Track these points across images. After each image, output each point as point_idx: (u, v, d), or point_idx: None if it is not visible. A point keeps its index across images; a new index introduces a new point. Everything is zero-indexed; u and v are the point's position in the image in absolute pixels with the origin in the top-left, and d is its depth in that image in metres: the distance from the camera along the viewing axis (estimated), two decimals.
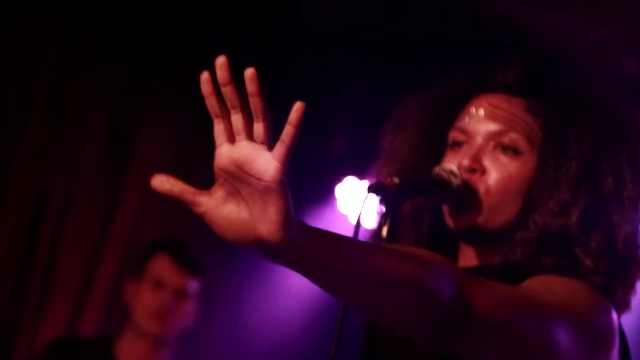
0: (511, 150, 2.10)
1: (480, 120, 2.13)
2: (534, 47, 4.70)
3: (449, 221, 2.12)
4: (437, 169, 2.09)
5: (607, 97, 2.18)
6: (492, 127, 2.12)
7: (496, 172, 2.09)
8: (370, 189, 1.97)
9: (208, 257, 4.43)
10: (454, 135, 2.18)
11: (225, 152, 1.48)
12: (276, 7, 5.16)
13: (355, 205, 5.93)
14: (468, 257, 2.15)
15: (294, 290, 5.92)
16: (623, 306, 2.03)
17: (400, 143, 2.25)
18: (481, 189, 2.08)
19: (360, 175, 5.99)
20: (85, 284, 5.36)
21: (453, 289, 1.64)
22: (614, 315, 1.95)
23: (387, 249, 1.65)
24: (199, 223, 5.00)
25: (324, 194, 5.92)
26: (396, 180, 1.99)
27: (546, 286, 1.90)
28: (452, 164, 2.12)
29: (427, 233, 2.16)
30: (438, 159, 2.19)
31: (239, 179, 1.46)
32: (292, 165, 5.22)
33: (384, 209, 1.99)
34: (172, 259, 4.28)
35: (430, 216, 2.17)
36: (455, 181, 2.06)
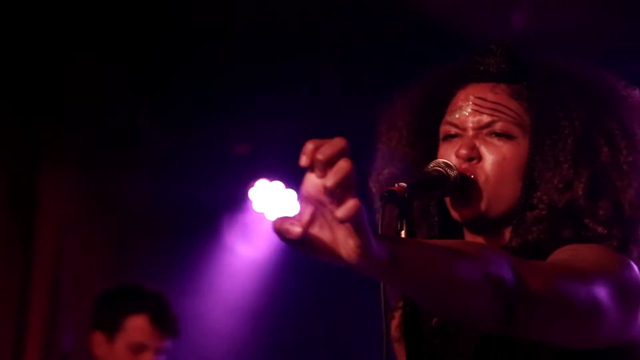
0: (504, 135, 2.16)
1: (468, 114, 2.18)
2: (424, 15, 4.82)
3: (454, 213, 2.17)
4: (432, 164, 2.13)
5: (587, 69, 2.24)
6: (481, 119, 2.17)
7: (491, 156, 2.13)
8: (384, 199, 2.00)
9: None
10: (446, 129, 2.22)
11: (311, 179, 1.52)
12: (169, 11, 5.10)
13: (268, 204, 6.17)
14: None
15: (225, 297, 6.17)
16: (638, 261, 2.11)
17: (396, 142, 2.28)
18: (480, 176, 2.13)
19: (270, 177, 6.14)
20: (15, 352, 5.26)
21: (511, 273, 1.72)
22: (638, 271, 2.04)
23: (447, 247, 1.70)
24: (116, 257, 4.91)
25: (238, 196, 6.15)
26: (403, 184, 2.02)
27: (576, 255, 1.97)
28: (449, 154, 2.17)
29: (437, 225, 2.21)
30: (434, 153, 2.23)
31: (322, 206, 1.49)
32: (207, 169, 5.16)
33: (397, 213, 2.02)
34: (152, 322, 4.22)
35: (437, 208, 2.22)
36: (452, 173, 2.11)
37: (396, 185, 2.02)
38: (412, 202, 2.06)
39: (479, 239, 2.18)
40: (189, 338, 6.00)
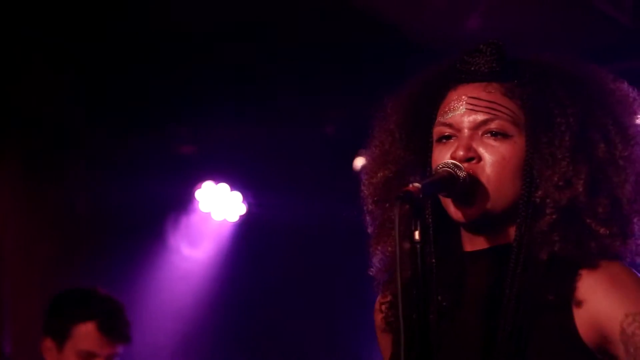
0: (500, 135, 2.14)
1: (463, 114, 2.15)
2: (376, 23, 4.85)
3: (457, 214, 2.14)
4: (441, 165, 2.12)
5: (576, 64, 2.22)
6: (477, 118, 2.14)
7: (490, 157, 2.12)
8: (400, 199, 1.99)
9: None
10: (440, 130, 2.19)
11: None
12: (112, 12, 5.04)
13: (214, 204, 6.17)
14: (473, 242, 2.18)
15: (171, 297, 6.17)
16: (638, 254, 2.14)
17: (389, 145, 2.26)
18: (482, 176, 2.11)
19: (216, 179, 6.13)
20: None
21: None
22: None
23: None
24: (59, 258, 4.81)
25: (184, 197, 6.19)
26: (417, 185, 2.01)
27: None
28: (443, 156, 2.15)
29: (431, 225, 2.17)
30: (427, 154, 2.21)
31: None
32: (153, 170, 5.10)
33: (411, 214, 2.01)
34: (100, 329, 4.14)
35: (431, 209, 2.19)
36: (461, 174, 2.09)
37: (410, 185, 1.99)
38: (427, 203, 2.06)
39: (478, 239, 2.18)
40: (135, 338, 5.96)
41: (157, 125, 5.89)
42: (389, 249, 2.23)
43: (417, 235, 2.00)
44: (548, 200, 2.09)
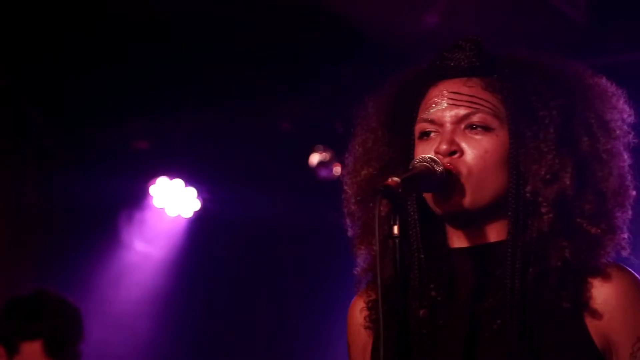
0: (482, 128, 2.13)
1: (445, 109, 2.15)
2: (332, 19, 4.86)
3: (436, 208, 2.13)
4: (418, 160, 2.10)
5: (556, 59, 2.22)
6: (458, 112, 2.14)
7: (473, 151, 2.11)
8: (380, 193, 1.98)
9: None
10: (422, 126, 2.18)
11: None
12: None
13: (169, 200, 6.13)
14: (459, 239, 2.18)
15: (124, 293, 6.14)
16: (626, 246, 2.15)
17: (372, 143, 2.24)
18: (463, 170, 2.10)
19: (170, 175, 6.10)
20: None
21: None
22: None
23: None
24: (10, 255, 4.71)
25: (138, 193, 6.14)
26: (396, 179, 2.00)
27: None
28: (426, 152, 2.13)
29: (417, 221, 2.17)
30: (409, 151, 2.19)
31: None
32: (106, 166, 5.04)
33: (390, 208, 2.02)
34: (46, 352, 4.07)
35: (415, 204, 2.18)
36: (438, 168, 2.08)
37: (390, 179, 1.99)
38: (410, 198, 2.06)
39: (465, 235, 2.17)
40: (87, 335, 5.93)
41: (111, 121, 5.85)
42: (374, 247, 2.19)
43: (395, 230, 1.99)
44: (540, 199, 2.10)
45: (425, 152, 2.14)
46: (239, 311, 6.38)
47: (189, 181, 6.16)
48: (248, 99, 5.81)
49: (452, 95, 2.17)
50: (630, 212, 2.17)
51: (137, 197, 6.14)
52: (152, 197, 6.14)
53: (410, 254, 2.15)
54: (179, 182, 6.14)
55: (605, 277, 2.11)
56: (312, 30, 5.03)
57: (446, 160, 2.11)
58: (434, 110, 2.17)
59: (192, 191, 6.20)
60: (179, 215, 6.24)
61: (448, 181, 2.11)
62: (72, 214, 5.87)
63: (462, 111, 2.15)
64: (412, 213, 2.18)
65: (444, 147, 2.12)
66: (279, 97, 5.88)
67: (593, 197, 2.11)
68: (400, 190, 2.00)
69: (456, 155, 2.12)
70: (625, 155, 2.17)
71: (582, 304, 2.08)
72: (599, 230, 2.10)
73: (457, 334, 2.12)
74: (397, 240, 2.01)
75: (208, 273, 6.30)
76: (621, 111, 2.19)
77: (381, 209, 2.01)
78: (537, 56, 2.24)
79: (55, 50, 5.34)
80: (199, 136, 5.97)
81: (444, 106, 2.16)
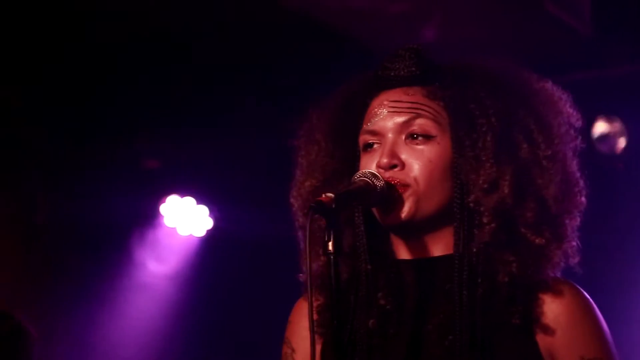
0: (423, 137, 2.12)
1: (385, 118, 2.15)
2: (336, 32, 4.84)
3: (381, 221, 2.14)
4: (358, 175, 2.10)
5: (500, 65, 2.21)
6: (399, 119, 2.14)
7: (416, 162, 2.11)
8: (312, 209, 1.97)
9: None
10: (364, 138, 2.18)
11: None
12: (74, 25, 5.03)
13: (180, 219, 6.11)
14: (405, 251, 2.17)
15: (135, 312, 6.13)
16: (574, 255, 2.13)
17: (316, 155, 2.25)
18: (407, 181, 2.10)
19: (181, 193, 6.09)
20: None
21: None
22: None
23: None
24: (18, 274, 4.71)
25: (149, 211, 6.12)
26: (331, 195, 2.00)
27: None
28: (370, 165, 2.14)
29: (364, 233, 2.17)
30: (355, 163, 2.19)
31: None
32: (117, 185, 5.02)
33: (325, 224, 2.00)
34: None
35: (362, 216, 2.18)
36: (379, 183, 2.08)
37: (323, 195, 1.99)
38: (340, 213, 2.04)
39: (409, 247, 2.16)
40: (99, 354, 5.94)
41: (121, 140, 5.86)
42: (322, 257, 2.15)
43: (330, 246, 2.00)
44: (482, 208, 2.08)
45: (368, 165, 2.15)
46: (252, 331, 6.34)
47: (200, 199, 6.14)
48: (260, 116, 5.80)
49: (392, 104, 2.16)
50: (578, 220, 2.14)
51: (148, 216, 6.12)
52: (163, 216, 6.12)
53: (357, 265, 2.16)
54: (190, 201, 6.12)
55: (557, 293, 2.09)
56: (316, 46, 5.01)
57: (387, 174, 2.11)
58: (376, 120, 2.17)
59: (204, 209, 6.17)
60: (190, 235, 6.21)
61: (390, 195, 2.10)
62: (84, 234, 5.89)
63: (401, 118, 2.15)
64: (359, 224, 2.17)
65: (384, 160, 2.12)
66: (290, 113, 5.85)
67: (534, 204, 2.09)
68: (333, 206, 1.99)
69: (397, 169, 2.11)
70: (572, 161, 2.15)
71: (532, 319, 2.07)
72: (543, 240, 2.08)
73: (406, 347, 2.10)
74: (331, 257, 2.00)
75: (221, 292, 6.27)
76: (568, 116, 2.18)
77: (321, 224, 2.01)
78: (482, 63, 2.24)
79: (64, 70, 5.37)
80: (210, 154, 5.96)
81: (384, 115, 2.16)
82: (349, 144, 2.22)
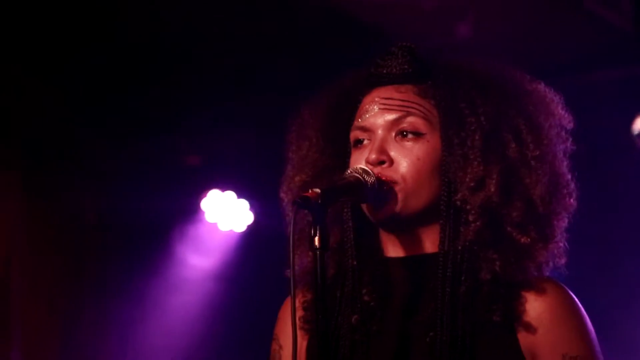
0: (412, 134, 2.13)
1: (376, 115, 2.16)
2: (371, 28, 4.82)
3: (370, 216, 2.14)
4: (349, 171, 2.11)
5: (492, 65, 2.22)
6: (389, 117, 2.15)
7: (404, 159, 2.11)
8: (296, 204, 1.97)
9: None
10: (354, 134, 2.19)
11: None
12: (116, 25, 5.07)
13: (221, 214, 6.12)
14: (394, 248, 2.17)
15: (177, 308, 6.18)
16: (561, 255, 2.12)
17: (307, 150, 2.25)
18: (395, 178, 2.10)
19: (222, 187, 6.11)
20: None
21: None
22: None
23: None
24: (68, 272, 4.80)
25: (190, 207, 6.12)
26: (317, 190, 1.99)
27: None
28: (360, 161, 2.14)
29: (352, 229, 2.18)
30: (345, 159, 2.20)
31: None
32: (158, 182, 5.04)
33: (311, 220, 1.99)
34: None
35: (350, 212, 2.19)
36: (369, 179, 2.08)
37: (310, 191, 1.99)
38: (327, 209, 2.03)
39: (397, 243, 2.16)
40: (142, 349, 6.00)
41: (161, 136, 5.90)
42: (309, 252, 2.16)
43: (316, 241, 2.00)
44: (468, 207, 2.08)
45: (358, 161, 2.15)
46: None
47: (240, 193, 6.15)
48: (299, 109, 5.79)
49: (383, 101, 2.16)
50: (566, 221, 2.13)
51: (189, 212, 6.14)
52: (204, 211, 6.12)
53: (344, 261, 2.16)
54: (230, 195, 6.13)
55: (540, 291, 2.08)
56: (348, 40, 4.99)
57: (376, 170, 2.11)
58: (366, 117, 2.18)
59: (244, 204, 6.18)
60: (231, 230, 6.22)
61: (380, 190, 2.10)
62: (126, 231, 5.95)
63: (392, 116, 2.15)
64: (347, 220, 2.18)
65: (373, 156, 2.12)
66: None
67: (521, 204, 2.08)
68: (319, 201, 1.99)
69: (385, 165, 2.12)
70: (562, 163, 2.14)
71: (515, 317, 2.06)
72: (528, 240, 2.07)
73: (390, 344, 2.10)
74: (317, 252, 2.00)
75: (262, 288, 6.28)
76: (559, 117, 2.17)
77: (309, 219, 2.01)
78: (474, 62, 2.23)
79: (105, 70, 5.43)
80: (250, 148, 5.96)
81: (375, 112, 2.16)
82: (340, 140, 2.22)
